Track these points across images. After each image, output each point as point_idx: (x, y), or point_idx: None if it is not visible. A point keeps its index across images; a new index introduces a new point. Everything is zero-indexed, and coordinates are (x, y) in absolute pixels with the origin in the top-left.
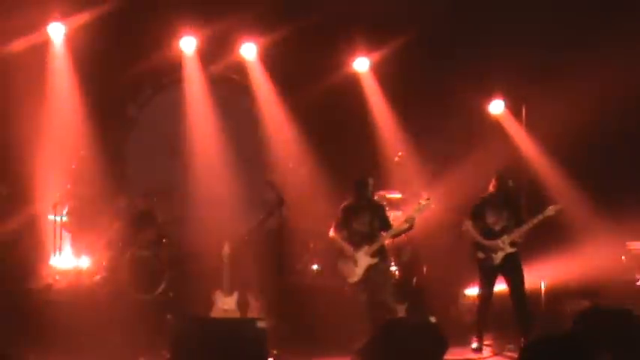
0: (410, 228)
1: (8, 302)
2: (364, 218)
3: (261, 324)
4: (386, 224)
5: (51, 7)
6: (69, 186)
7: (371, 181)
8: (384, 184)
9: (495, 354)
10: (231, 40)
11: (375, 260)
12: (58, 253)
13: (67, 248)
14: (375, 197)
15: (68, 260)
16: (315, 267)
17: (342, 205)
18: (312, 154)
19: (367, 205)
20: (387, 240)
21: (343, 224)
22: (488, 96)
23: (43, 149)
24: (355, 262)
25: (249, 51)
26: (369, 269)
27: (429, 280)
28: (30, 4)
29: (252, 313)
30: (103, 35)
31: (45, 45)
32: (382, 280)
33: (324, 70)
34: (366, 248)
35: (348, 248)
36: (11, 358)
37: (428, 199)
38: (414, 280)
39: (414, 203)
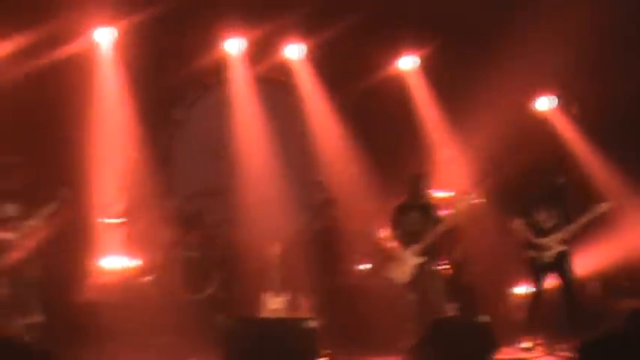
0: (455, 224)
1: (60, 303)
2: (415, 217)
3: (311, 324)
4: (435, 222)
5: (98, 12)
6: (120, 188)
7: (424, 178)
8: (432, 183)
9: (546, 354)
10: (276, 41)
11: (423, 259)
12: (108, 254)
13: (118, 249)
14: (426, 196)
15: (118, 261)
16: (364, 267)
17: (395, 205)
18: (360, 154)
19: (419, 203)
20: (434, 238)
21: (395, 223)
22: (537, 92)
23: (92, 152)
24: (403, 262)
25: (294, 51)
26: (418, 268)
27: (479, 278)
28: (77, 9)
29: (302, 314)
30: (150, 39)
31: (93, 49)
32: (431, 279)
33: (371, 69)
34: (414, 247)
35: (396, 248)
36: (63, 357)
37: (470, 194)
38: (464, 278)
39: (458, 202)
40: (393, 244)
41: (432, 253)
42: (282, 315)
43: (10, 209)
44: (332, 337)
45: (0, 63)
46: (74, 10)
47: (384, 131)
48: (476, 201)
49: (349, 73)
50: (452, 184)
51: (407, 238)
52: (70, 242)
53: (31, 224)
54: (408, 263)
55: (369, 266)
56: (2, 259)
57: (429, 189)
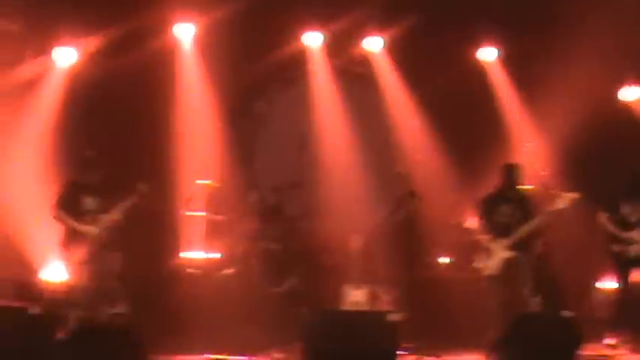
0: (549, 221)
1: (145, 294)
2: (507, 209)
3: (392, 317)
4: (529, 216)
5: (179, 8)
6: (201, 181)
7: (520, 169)
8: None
9: (632, 351)
10: (356, 33)
11: (512, 254)
12: (191, 246)
13: (200, 242)
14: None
15: (201, 253)
16: (445, 259)
17: (486, 194)
18: (440, 146)
19: (512, 195)
20: (528, 233)
21: (484, 214)
22: (621, 82)
23: (176, 146)
24: (491, 255)
25: (374, 44)
26: (506, 263)
27: (562, 273)
28: (158, 6)
29: (382, 307)
30: (230, 33)
31: (174, 45)
32: (520, 273)
33: (451, 60)
34: (503, 241)
35: (485, 240)
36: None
37: (577, 194)
38: (546, 272)
39: (543, 194)
40: (483, 235)
41: (523, 247)
42: (362, 308)
43: (91, 203)
44: (413, 331)
45: (85, 59)
46: (156, 6)
47: (464, 123)
48: (575, 197)
49: (429, 65)
50: (532, 176)
51: (497, 229)
52: (153, 235)
53: (110, 217)
54: (497, 256)
55: (450, 259)
56: (85, 252)
57: (523, 181)
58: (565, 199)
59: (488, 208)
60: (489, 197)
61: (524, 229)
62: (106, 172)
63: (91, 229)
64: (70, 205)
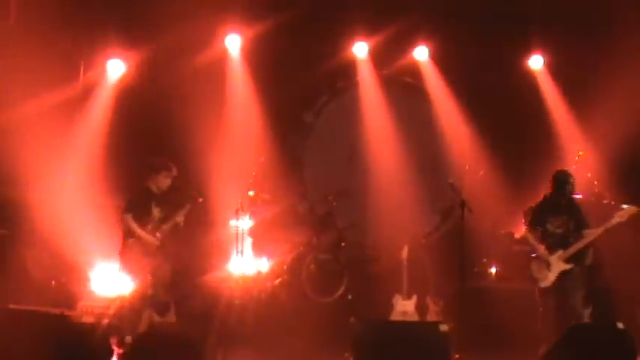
0: (607, 232)
1: (195, 304)
2: (560, 219)
3: (443, 328)
4: (582, 226)
5: (227, 19)
6: (250, 192)
7: (572, 177)
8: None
9: None
10: (404, 43)
11: (569, 266)
12: (240, 257)
13: (249, 252)
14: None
15: (249, 264)
16: (494, 269)
17: (538, 202)
18: (489, 155)
19: (565, 204)
20: (583, 245)
21: (537, 223)
22: None
23: (224, 157)
24: (548, 267)
25: (422, 53)
26: (563, 275)
27: (613, 283)
28: (207, 17)
29: (431, 317)
30: (278, 44)
31: (223, 56)
32: (575, 285)
33: (500, 69)
34: (560, 252)
35: (542, 251)
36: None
37: (630, 204)
38: (598, 283)
39: (595, 205)
40: (539, 245)
41: (578, 258)
42: (412, 318)
43: (157, 211)
44: (462, 341)
45: (135, 71)
46: (204, 18)
47: (514, 132)
48: (633, 210)
49: (478, 73)
50: (584, 186)
51: (551, 240)
52: (202, 245)
53: (169, 227)
54: (554, 268)
55: (499, 269)
56: (145, 261)
57: (574, 189)
58: (624, 214)
59: (541, 218)
60: (541, 206)
61: (582, 242)
62: (175, 176)
63: (154, 240)
64: (139, 211)
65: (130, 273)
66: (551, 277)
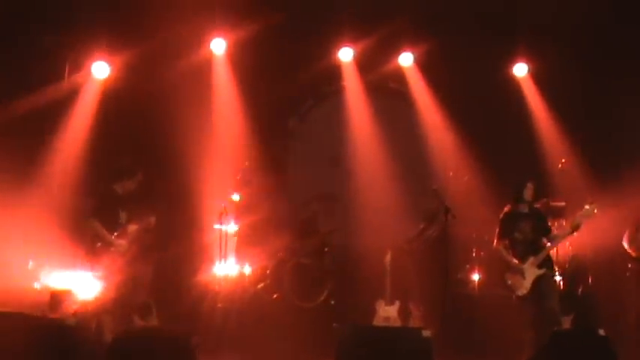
0: (572, 233)
1: (178, 307)
2: (526, 226)
3: (426, 333)
4: (547, 231)
5: (212, 23)
6: (234, 196)
7: (530, 185)
8: (547, 192)
9: None
10: (388, 48)
11: (542, 271)
12: (223, 260)
13: (232, 256)
14: (536, 203)
15: (232, 268)
16: (477, 275)
17: (502, 213)
18: (473, 161)
19: (527, 211)
20: (551, 249)
21: (505, 233)
22: None
23: (208, 160)
24: (523, 275)
25: (407, 59)
26: (537, 280)
27: (595, 290)
28: (192, 21)
29: (414, 322)
30: (263, 49)
31: (208, 60)
32: (550, 289)
33: (484, 76)
34: (532, 259)
35: (513, 261)
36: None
37: (592, 202)
38: (580, 290)
39: (578, 211)
40: (509, 257)
41: (549, 263)
42: (394, 323)
43: (123, 215)
44: (444, 347)
45: (120, 73)
46: (189, 22)
47: (497, 138)
48: (592, 207)
49: (462, 80)
50: (567, 194)
51: (520, 247)
52: (184, 249)
53: (133, 232)
54: (528, 275)
55: (482, 275)
56: (115, 264)
57: (538, 196)
58: (586, 213)
59: (507, 228)
60: (505, 217)
61: (551, 245)
62: (140, 180)
63: (122, 243)
64: (106, 216)
65: (101, 276)
66: (527, 284)
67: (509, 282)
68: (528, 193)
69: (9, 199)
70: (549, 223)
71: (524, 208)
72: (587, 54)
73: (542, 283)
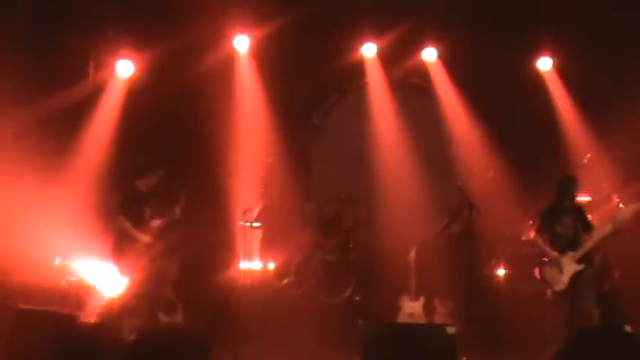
0: (616, 232)
1: (202, 305)
2: (568, 222)
3: (450, 330)
4: (588, 226)
5: (235, 20)
6: (258, 192)
7: (576, 179)
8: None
9: None
10: (411, 44)
11: (581, 267)
12: (247, 257)
13: (257, 252)
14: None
15: (257, 264)
16: (502, 271)
17: (545, 207)
18: (497, 157)
19: (570, 206)
20: (593, 244)
21: (545, 227)
22: None
23: (233, 157)
24: (561, 269)
25: (430, 54)
26: (576, 276)
27: (622, 286)
28: (215, 18)
29: (439, 319)
30: (286, 45)
31: (231, 57)
32: (587, 287)
33: (508, 70)
34: (571, 254)
35: (552, 254)
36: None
37: (636, 203)
38: (606, 286)
39: (604, 206)
40: (549, 249)
41: (589, 259)
42: (419, 319)
43: (147, 211)
44: (469, 343)
45: (144, 71)
46: (213, 19)
47: (523, 134)
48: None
49: (486, 75)
50: (592, 189)
51: (560, 242)
52: (210, 245)
53: (157, 227)
54: (566, 270)
55: (507, 271)
56: (140, 260)
57: (579, 192)
58: (629, 211)
59: (549, 222)
60: (548, 211)
61: (591, 241)
62: (161, 176)
63: (149, 239)
64: (132, 213)
65: (126, 273)
66: (565, 279)
67: (546, 275)
68: (574, 187)
69: (36, 198)
70: (589, 218)
71: (568, 203)
72: (611, 48)
73: (581, 279)
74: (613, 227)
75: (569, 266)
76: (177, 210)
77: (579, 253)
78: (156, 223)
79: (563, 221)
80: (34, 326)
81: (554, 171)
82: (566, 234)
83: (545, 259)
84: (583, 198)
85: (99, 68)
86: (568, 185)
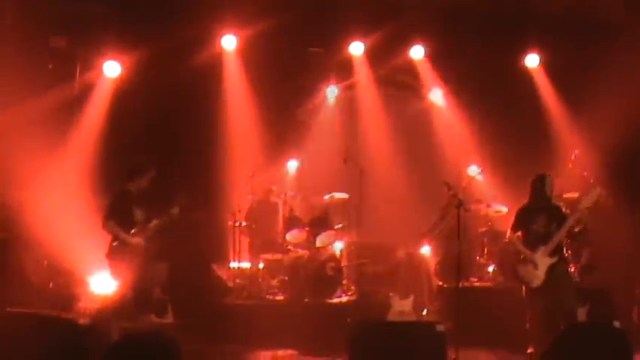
0: (582, 221)
1: (191, 305)
2: (541, 219)
3: (439, 327)
4: (563, 224)
5: (223, 20)
6: (249, 196)
7: (549, 179)
8: (560, 184)
9: None
10: (399, 42)
11: (554, 259)
12: (237, 257)
13: (246, 252)
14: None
15: (247, 264)
16: (490, 268)
17: (520, 206)
18: (486, 154)
19: (545, 205)
20: (562, 237)
21: (520, 225)
22: None
23: (221, 156)
24: (535, 265)
25: (418, 52)
26: (550, 270)
27: (610, 282)
28: (203, 18)
29: (428, 316)
30: (274, 44)
31: (219, 57)
32: (564, 283)
33: (496, 67)
34: (542, 249)
35: (525, 251)
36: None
37: (596, 188)
38: (594, 282)
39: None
40: (522, 247)
41: (561, 253)
42: (409, 318)
43: (139, 213)
44: (459, 341)
45: (132, 72)
46: (200, 19)
47: (511, 130)
48: (596, 192)
49: (475, 72)
50: (580, 185)
51: (534, 240)
52: (199, 245)
53: (153, 228)
54: (540, 265)
55: (495, 267)
56: (132, 263)
57: (553, 191)
58: (589, 197)
59: (523, 221)
60: (522, 210)
61: (560, 234)
62: (153, 178)
63: (139, 241)
64: (121, 215)
65: (116, 275)
66: (540, 274)
67: (521, 273)
68: (548, 187)
69: (25, 198)
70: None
71: (542, 202)
72: (597, 44)
73: (556, 273)
74: (575, 217)
75: (543, 261)
76: (176, 210)
77: (550, 246)
78: (154, 223)
79: (537, 220)
80: (20, 329)
81: (542, 167)
82: (539, 232)
83: (521, 258)
84: (571, 195)
85: (86, 69)
86: (541, 184)
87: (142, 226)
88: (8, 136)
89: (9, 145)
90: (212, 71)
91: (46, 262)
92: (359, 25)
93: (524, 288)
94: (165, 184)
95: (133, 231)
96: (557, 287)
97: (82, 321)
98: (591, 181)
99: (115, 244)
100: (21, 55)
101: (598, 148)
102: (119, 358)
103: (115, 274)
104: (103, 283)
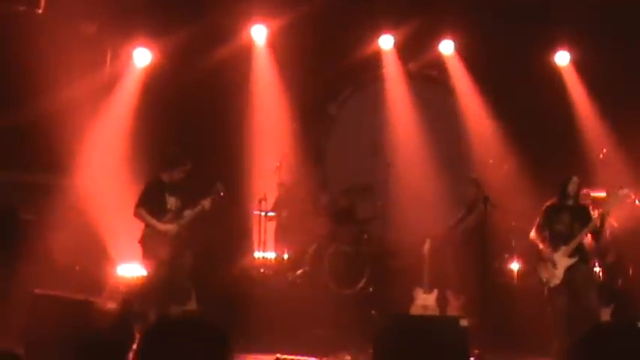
0: (606, 221)
1: (216, 293)
2: (565, 219)
3: (463, 323)
4: (587, 223)
5: (253, 10)
6: (273, 182)
7: (575, 179)
8: (588, 182)
9: None
10: (428, 36)
11: (573, 260)
12: (262, 246)
13: (271, 242)
14: (580, 197)
15: (271, 254)
16: (515, 265)
17: (545, 205)
18: (513, 151)
19: (570, 205)
20: (584, 237)
21: (544, 225)
22: None
23: (249, 146)
24: (554, 264)
25: (447, 47)
26: (569, 270)
27: (636, 281)
28: (233, 8)
29: (452, 311)
30: (304, 35)
31: (248, 47)
32: (584, 282)
33: (525, 64)
34: (563, 248)
35: (546, 250)
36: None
37: (623, 188)
38: (619, 282)
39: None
40: (544, 246)
41: (582, 253)
42: (432, 312)
43: (173, 202)
44: (482, 337)
45: (161, 60)
46: (230, 8)
47: (539, 127)
48: (624, 193)
49: (503, 69)
50: (608, 184)
51: (556, 239)
52: (225, 234)
53: (188, 217)
54: (559, 264)
55: (521, 265)
56: (164, 250)
57: (580, 191)
58: (615, 198)
59: (547, 220)
60: (547, 209)
61: (582, 234)
62: (189, 170)
63: (171, 229)
64: (153, 203)
65: (146, 261)
66: (559, 274)
67: (541, 272)
68: (573, 187)
69: (51, 187)
70: (589, 217)
71: (568, 202)
72: (629, 43)
73: (575, 273)
74: (599, 218)
75: (562, 260)
76: (208, 202)
77: (571, 246)
78: (187, 213)
79: (561, 219)
80: (49, 311)
81: (569, 164)
82: (562, 232)
83: (540, 257)
84: (599, 193)
85: (116, 57)
86: (567, 185)
87: (174, 214)
88: (44, 121)
89: (44, 131)
90: (241, 60)
91: (74, 244)
92: (388, 19)
93: (545, 288)
94: (198, 173)
95: (165, 218)
96: (577, 287)
97: (108, 305)
98: (619, 180)
99: (147, 230)
100: (52, 43)
101: (628, 151)
102: (161, 338)
103: (145, 260)
104: (132, 269)
